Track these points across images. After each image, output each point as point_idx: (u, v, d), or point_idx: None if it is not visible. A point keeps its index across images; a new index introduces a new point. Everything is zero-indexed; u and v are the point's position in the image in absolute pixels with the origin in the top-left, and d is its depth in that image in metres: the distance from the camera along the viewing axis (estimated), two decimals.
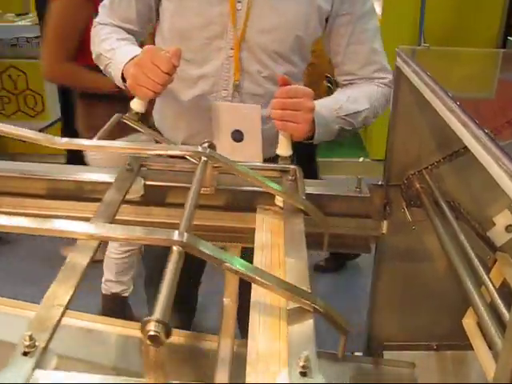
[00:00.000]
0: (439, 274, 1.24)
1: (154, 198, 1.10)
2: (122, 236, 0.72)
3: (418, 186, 1.16)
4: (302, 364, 0.65)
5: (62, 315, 0.67)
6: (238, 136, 1.27)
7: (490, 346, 0.92)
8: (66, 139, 0.96)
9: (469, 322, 1.09)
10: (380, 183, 1.17)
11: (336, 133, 1.29)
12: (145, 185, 1.06)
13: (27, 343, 0.60)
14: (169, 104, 1.45)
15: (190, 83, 1.37)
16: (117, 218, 0.92)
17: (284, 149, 1.14)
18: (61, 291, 0.72)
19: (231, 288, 1.19)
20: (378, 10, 4.46)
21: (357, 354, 1.36)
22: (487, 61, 1.47)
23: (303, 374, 0.65)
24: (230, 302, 1.20)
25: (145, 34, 1.49)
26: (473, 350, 1.02)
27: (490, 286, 0.88)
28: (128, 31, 1.42)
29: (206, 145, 0.97)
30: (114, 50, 1.32)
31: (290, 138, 1.14)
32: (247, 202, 1.08)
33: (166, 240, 0.70)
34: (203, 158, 0.93)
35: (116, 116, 1.11)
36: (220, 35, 1.32)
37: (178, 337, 1.21)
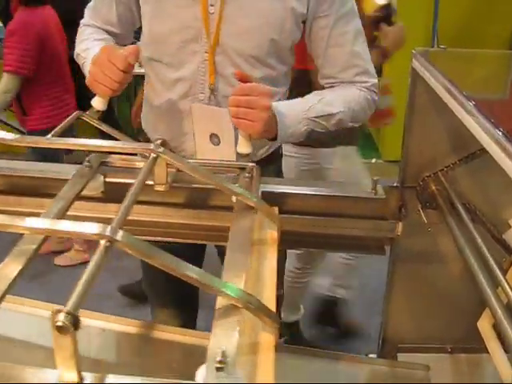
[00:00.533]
0: (454, 276, 1.23)
1: (113, 194, 1.11)
2: (49, 229, 0.73)
3: (433, 187, 1.16)
4: (218, 359, 0.63)
5: None
6: (215, 140, 1.28)
7: (506, 348, 0.91)
8: (18, 136, 0.98)
9: (484, 325, 1.07)
10: (395, 185, 1.16)
11: (304, 134, 1.29)
12: (105, 182, 1.07)
13: None
14: (151, 107, 1.48)
15: (168, 86, 1.39)
16: (73, 214, 0.93)
17: (243, 147, 1.15)
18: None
19: None
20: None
21: (371, 355, 1.36)
22: (502, 62, 1.47)
23: (219, 370, 0.63)
24: None
25: (130, 38, 1.52)
26: (488, 352, 1.00)
27: (507, 287, 0.87)
28: (110, 33, 1.45)
29: (158, 142, 0.98)
30: (88, 49, 1.35)
31: (249, 136, 1.15)
32: (203, 200, 1.09)
33: (95, 235, 0.71)
34: (152, 155, 0.93)
35: (75, 113, 1.13)
36: (195, 39, 1.32)
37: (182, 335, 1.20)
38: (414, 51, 1.14)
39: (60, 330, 0.58)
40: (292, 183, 1.21)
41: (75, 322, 0.59)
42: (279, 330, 0.75)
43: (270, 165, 1.43)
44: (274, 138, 1.25)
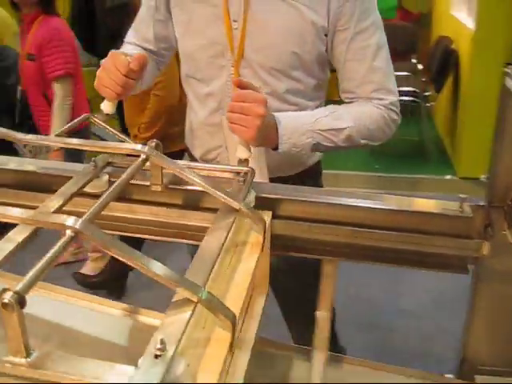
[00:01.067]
0: None
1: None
2: (17, 217, 0.78)
3: None
4: (158, 347, 0.66)
5: None
6: None
7: None
8: (27, 135, 1.06)
9: None
10: (482, 204, 1.14)
11: (310, 146, 1.29)
12: (109, 181, 1.12)
13: None
14: (190, 123, 1.58)
15: (201, 101, 1.48)
16: (74, 209, 0.97)
17: (241, 152, 1.18)
18: None
19: (325, 300, 1.23)
20: (472, 26, 4.25)
21: (447, 375, 1.34)
22: None
23: (157, 357, 0.66)
24: (323, 314, 1.23)
25: (168, 57, 1.62)
26: None
27: None
28: (147, 51, 1.55)
29: (153, 144, 1.03)
30: None
31: (247, 142, 1.18)
32: (196, 201, 1.12)
33: (60, 224, 0.76)
34: (142, 156, 0.98)
35: (84, 116, 1.20)
36: (221, 54, 1.39)
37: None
38: (506, 69, 1.10)
39: (5, 306, 0.63)
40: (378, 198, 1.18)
41: (21, 301, 0.64)
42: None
43: (309, 180, 1.43)
44: (276, 148, 1.27)
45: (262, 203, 1.11)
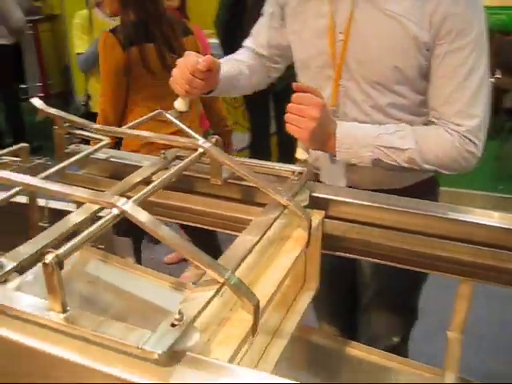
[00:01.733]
0: None
1: (182, 185, 1.26)
2: (75, 195, 0.88)
3: None
4: (176, 317, 0.73)
5: None
6: None
7: None
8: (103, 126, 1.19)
9: None
10: None
11: (370, 160, 1.28)
12: None
13: None
14: None
15: None
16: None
17: (299, 153, 1.23)
18: None
19: (458, 321, 1.21)
20: None
21: None
22: None
23: (173, 325, 0.73)
24: (455, 336, 1.22)
25: (282, 65, 1.68)
26: None
27: None
28: (258, 54, 1.65)
29: (213, 139, 1.11)
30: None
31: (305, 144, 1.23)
32: (251, 196, 1.18)
33: (109, 203, 0.85)
34: (200, 150, 1.05)
35: (157, 112, 1.30)
36: (327, 65, 1.40)
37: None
38: None
39: (46, 266, 0.73)
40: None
41: (60, 263, 0.73)
42: None
43: (423, 195, 1.32)
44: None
45: (317, 203, 1.16)
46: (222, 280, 0.82)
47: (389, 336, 1.65)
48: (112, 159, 1.34)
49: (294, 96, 1.19)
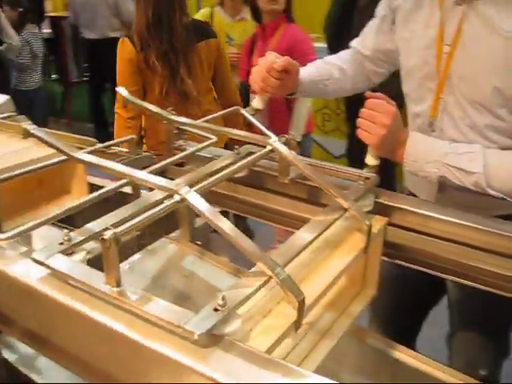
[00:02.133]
0: None
1: (253, 180, 1.30)
2: (135, 176, 0.94)
3: None
4: (219, 302, 0.77)
5: None
6: None
7: None
8: (180, 118, 1.27)
9: None
10: None
11: (435, 177, 1.24)
12: (249, 169, 1.26)
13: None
14: None
15: (411, 118, 1.50)
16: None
17: (369, 159, 1.23)
18: None
19: None
20: None
21: None
22: None
23: (216, 310, 0.76)
24: None
25: (386, 70, 1.67)
26: None
27: None
28: (363, 56, 1.65)
29: (283, 139, 1.13)
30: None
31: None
32: (316, 197, 1.19)
33: (171, 189, 0.90)
34: (268, 147, 1.08)
35: (234, 108, 1.35)
36: (430, 77, 1.38)
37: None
38: None
39: (104, 242, 0.78)
40: None
41: (117, 240, 0.79)
42: None
43: None
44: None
45: (382, 209, 1.16)
46: (270, 273, 0.84)
47: (475, 366, 1.56)
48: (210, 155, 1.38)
49: (368, 102, 1.20)
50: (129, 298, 0.80)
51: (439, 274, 1.15)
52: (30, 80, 5.22)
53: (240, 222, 3.53)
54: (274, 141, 1.12)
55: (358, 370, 1.20)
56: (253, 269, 0.87)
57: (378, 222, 1.12)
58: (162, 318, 0.76)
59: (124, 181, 1.09)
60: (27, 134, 1.03)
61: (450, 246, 1.11)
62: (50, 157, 1.25)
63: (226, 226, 0.88)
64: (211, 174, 1.07)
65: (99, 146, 1.36)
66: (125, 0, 5.26)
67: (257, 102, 1.37)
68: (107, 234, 0.79)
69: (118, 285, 0.81)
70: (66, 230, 0.92)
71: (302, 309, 0.85)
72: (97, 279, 0.83)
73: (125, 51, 2.52)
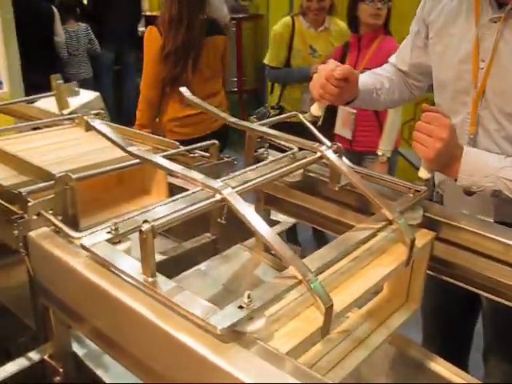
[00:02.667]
0: None
1: (306, 185, 1.32)
2: (181, 172, 0.97)
3: None
4: (245, 300, 0.79)
5: None
6: None
7: None
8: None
9: None
10: None
11: (490, 191, 1.24)
12: (303, 174, 1.29)
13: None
14: None
15: None
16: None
17: (422, 172, 1.22)
18: None
19: None
20: None
21: None
22: None
23: (240, 307, 0.79)
24: None
25: (424, 84, 1.70)
26: None
27: None
28: (401, 71, 1.69)
29: (334, 146, 1.14)
30: None
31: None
32: (367, 206, 1.19)
33: (213, 188, 0.93)
34: (317, 154, 1.09)
35: (292, 113, 1.37)
36: (465, 91, 1.43)
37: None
38: None
39: (141, 233, 0.83)
40: None
41: (154, 233, 0.83)
42: None
43: None
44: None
45: (431, 224, 1.14)
46: (300, 277, 0.86)
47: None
48: None
49: (424, 115, 1.20)
50: (161, 289, 0.84)
51: (484, 294, 1.12)
52: (77, 73, 5.48)
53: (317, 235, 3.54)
54: (325, 148, 1.13)
55: (392, 379, 1.18)
56: (287, 270, 0.89)
57: (425, 236, 1.11)
58: (188, 310, 0.79)
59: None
60: (89, 127, 1.10)
61: (498, 266, 1.08)
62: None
63: (262, 228, 0.90)
64: (260, 176, 1.10)
65: (182, 148, 1.41)
66: (220, 3, 5.37)
67: (314, 109, 1.38)
68: (145, 227, 0.83)
69: (153, 275, 0.85)
70: (114, 220, 0.97)
71: (329, 315, 0.85)
72: (134, 268, 0.87)
73: (152, 38, 2.85)
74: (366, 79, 1.57)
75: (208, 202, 0.93)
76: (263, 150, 1.38)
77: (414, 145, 1.20)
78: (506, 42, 1.33)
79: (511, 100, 1.34)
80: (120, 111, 5.97)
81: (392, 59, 1.73)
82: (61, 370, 1.16)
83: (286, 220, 1.62)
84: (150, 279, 0.85)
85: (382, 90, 1.63)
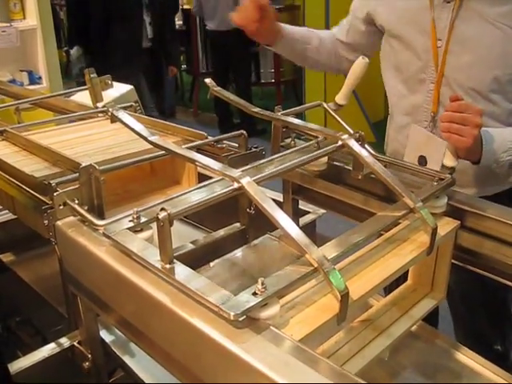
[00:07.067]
0: None
1: (330, 175, 1.32)
2: (199, 161, 0.98)
3: None
4: (259, 287, 0.80)
5: None
6: (422, 162, 1.36)
7: None
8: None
9: None
10: None
11: (506, 164, 1.27)
12: (328, 163, 1.30)
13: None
14: (390, 124, 1.69)
15: (402, 111, 1.58)
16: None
17: (448, 160, 1.19)
18: None
19: None
20: None
21: None
22: None
23: (254, 294, 0.79)
24: None
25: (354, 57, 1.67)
26: None
27: None
28: (338, 40, 1.71)
29: (356, 135, 1.13)
30: None
31: (455, 152, 1.19)
32: (390, 195, 1.16)
33: (231, 177, 0.94)
34: (339, 142, 1.09)
35: (317, 102, 1.35)
36: (423, 69, 1.47)
37: None
38: None
39: (158, 221, 0.84)
40: None
41: (171, 221, 0.85)
42: None
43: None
44: (477, 162, 1.27)
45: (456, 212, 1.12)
46: (316, 265, 0.86)
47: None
48: None
49: (452, 105, 1.19)
50: (178, 275, 0.85)
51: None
52: None
53: None
54: (347, 137, 1.12)
55: (418, 368, 1.17)
56: (301, 260, 0.89)
57: (448, 225, 1.09)
58: (203, 296, 0.81)
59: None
60: (114, 119, 1.12)
61: None
62: None
63: (279, 216, 0.90)
64: (281, 164, 1.10)
65: (209, 139, 1.43)
66: None
67: (339, 98, 1.37)
68: (161, 215, 0.85)
69: (170, 262, 0.87)
70: (136, 209, 0.99)
71: (344, 303, 0.85)
72: (152, 255, 0.89)
73: None
74: (296, 29, 1.64)
75: (226, 190, 0.94)
76: (290, 139, 1.38)
77: (449, 136, 1.18)
78: (461, 20, 1.38)
79: (471, 74, 1.39)
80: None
81: (335, 28, 1.75)
82: (89, 355, 1.19)
83: (316, 211, 1.63)
84: (168, 266, 0.86)
85: (310, 45, 1.66)
